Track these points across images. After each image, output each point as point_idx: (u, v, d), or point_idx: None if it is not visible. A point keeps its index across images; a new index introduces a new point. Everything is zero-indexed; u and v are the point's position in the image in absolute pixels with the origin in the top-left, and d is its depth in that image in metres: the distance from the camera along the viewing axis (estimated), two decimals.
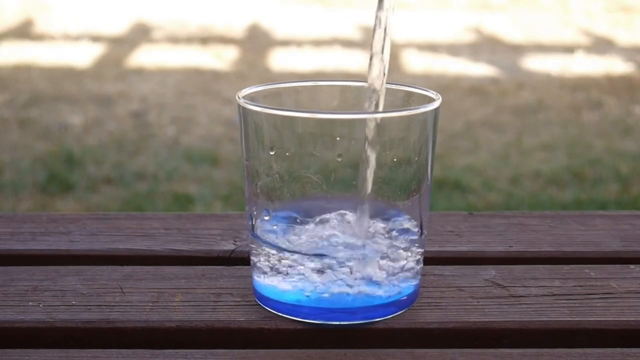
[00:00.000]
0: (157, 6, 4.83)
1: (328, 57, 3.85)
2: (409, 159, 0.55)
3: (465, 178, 2.37)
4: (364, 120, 0.54)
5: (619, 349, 0.54)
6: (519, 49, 4.04)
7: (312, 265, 0.54)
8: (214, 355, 0.53)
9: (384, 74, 0.56)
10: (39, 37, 4.16)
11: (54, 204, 2.19)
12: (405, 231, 0.56)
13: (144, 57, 3.81)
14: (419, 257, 0.57)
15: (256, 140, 0.55)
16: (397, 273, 0.55)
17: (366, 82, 0.57)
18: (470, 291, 0.60)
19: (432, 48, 4.01)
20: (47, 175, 2.34)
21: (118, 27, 4.37)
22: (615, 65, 3.73)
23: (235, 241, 0.68)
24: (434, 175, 0.58)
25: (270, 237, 0.56)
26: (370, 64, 0.56)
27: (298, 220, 0.56)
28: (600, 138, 2.76)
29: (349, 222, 0.55)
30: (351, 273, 0.54)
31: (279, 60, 3.82)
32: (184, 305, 0.57)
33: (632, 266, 0.64)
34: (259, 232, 0.56)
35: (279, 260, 0.55)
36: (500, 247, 0.67)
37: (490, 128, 2.86)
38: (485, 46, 4.11)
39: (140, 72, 3.54)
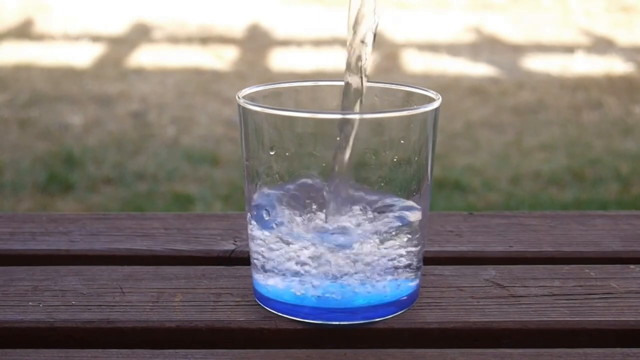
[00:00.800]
0: (157, 6, 4.83)
1: (328, 57, 3.85)
2: (409, 159, 0.55)
3: (465, 178, 2.37)
4: (364, 120, 0.54)
5: (619, 349, 0.54)
6: (519, 49, 4.04)
7: (312, 265, 0.54)
8: (214, 355, 0.53)
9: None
10: (39, 37, 4.16)
11: (54, 204, 2.19)
12: (405, 231, 0.56)
13: (144, 57, 3.80)
14: (419, 257, 0.57)
15: (256, 140, 0.55)
16: (397, 273, 0.55)
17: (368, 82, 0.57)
18: (470, 291, 0.60)
19: (432, 48, 4.01)
20: (47, 175, 2.34)
21: (118, 27, 4.37)
22: (616, 65, 3.73)
23: (235, 241, 0.68)
24: (434, 175, 0.58)
25: (270, 237, 0.56)
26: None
27: (298, 220, 0.56)
28: (600, 138, 2.76)
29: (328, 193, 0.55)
30: (351, 273, 0.54)
31: (279, 60, 3.82)
32: (184, 305, 0.57)
33: (632, 266, 0.64)
34: (259, 232, 0.56)
35: (279, 260, 0.55)
36: (500, 247, 0.67)
37: (490, 128, 2.86)
38: (485, 46, 4.11)
39: (140, 72, 3.54)
